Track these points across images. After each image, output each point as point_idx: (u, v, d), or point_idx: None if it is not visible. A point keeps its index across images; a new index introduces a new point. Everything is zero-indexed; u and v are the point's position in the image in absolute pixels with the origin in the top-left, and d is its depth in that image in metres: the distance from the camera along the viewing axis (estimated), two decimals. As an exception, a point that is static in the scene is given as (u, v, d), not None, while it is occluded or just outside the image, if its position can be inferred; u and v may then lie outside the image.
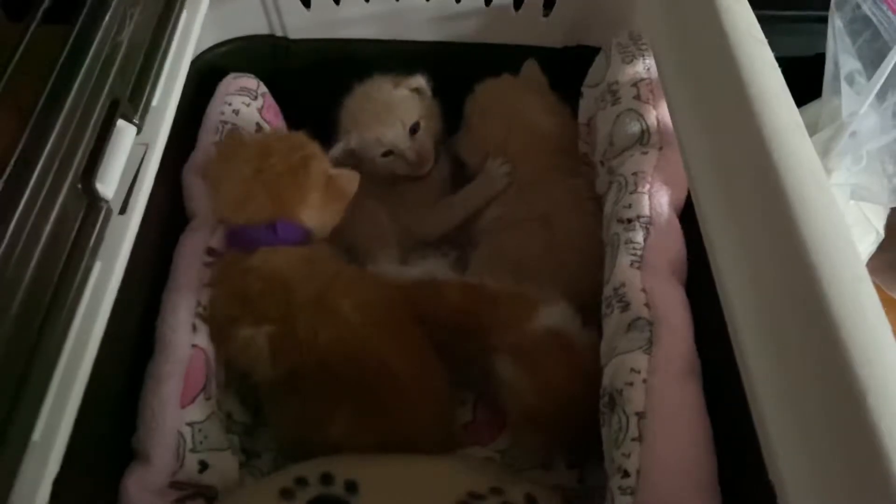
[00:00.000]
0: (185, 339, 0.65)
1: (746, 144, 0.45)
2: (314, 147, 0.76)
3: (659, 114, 0.71)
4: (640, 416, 0.53)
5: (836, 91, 0.78)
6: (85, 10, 0.46)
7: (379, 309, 0.70)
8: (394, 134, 0.87)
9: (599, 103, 0.79)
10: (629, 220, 0.66)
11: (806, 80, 0.78)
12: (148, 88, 0.52)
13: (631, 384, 0.55)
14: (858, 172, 0.78)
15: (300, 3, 0.86)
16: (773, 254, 0.41)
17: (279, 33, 0.90)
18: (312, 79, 0.92)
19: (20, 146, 0.39)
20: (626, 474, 0.52)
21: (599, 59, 0.81)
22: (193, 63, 0.83)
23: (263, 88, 0.88)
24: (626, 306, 0.61)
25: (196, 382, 0.65)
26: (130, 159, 0.48)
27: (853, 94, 0.77)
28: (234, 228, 0.73)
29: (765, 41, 0.49)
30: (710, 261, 0.47)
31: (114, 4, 0.48)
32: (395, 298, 0.73)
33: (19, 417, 0.36)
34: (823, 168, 0.73)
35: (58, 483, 0.38)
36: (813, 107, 0.83)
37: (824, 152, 0.78)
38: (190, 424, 0.63)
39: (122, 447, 0.61)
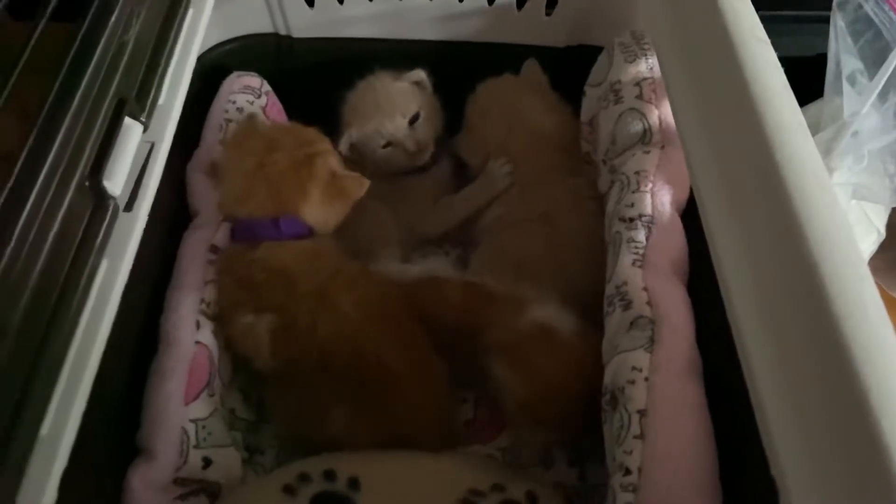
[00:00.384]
0: (188, 336, 0.66)
1: (749, 144, 0.45)
2: (324, 144, 0.76)
3: (661, 113, 0.71)
4: (642, 413, 0.54)
5: (838, 91, 0.79)
6: (92, 9, 0.46)
7: (378, 306, 0.70)
8: (393, 124, 0.87)
9: (602, 102, 0.79)
10: (631, 219, 0.66)
11: (808, 80, 0.78)
12: (154, 87, 0.52)
13: (633, 382, 0.55)
14: (860, 172, 0.79)
15: (304, 2, 0.86)
16: (775, 252, 0.41)
17: (283, 32, 0.91)
18: (316, 77, 0.92)
19: (28, 144, 0.40)
20: (627, 472, 0.52)
21: (602, 59, 0.81)
22: (198, 61, 0.83)
23: (267, 87, 0.89)
24: (627, 305, 0.61)
25: (200, 379, 0.65)
26: (137, 157, 0.48)
27: (855, 94, 0.78)
28: (240, 223, 0.73)
29: (767, 41, 0.49)
30: (713, 259, 0.47)
31: (120, 3, 0.48)
32: (396, 296, 0.73)
33: (28, 412, 0.36)
34: (825, 167, 0.74)
35: (63, 480, 0.38)
36: (815, 107, 0.83)
37: (826, 152, 0.78)
38: (194, 421, 0.63)
39: (127, 444, 0.61)
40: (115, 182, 0.45)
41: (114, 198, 0.45)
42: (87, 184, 0.43)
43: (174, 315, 0.66)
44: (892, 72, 0.75)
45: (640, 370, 0.56)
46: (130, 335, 0.63)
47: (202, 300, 0.69)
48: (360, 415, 0.65)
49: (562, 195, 0.82)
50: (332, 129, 0.84)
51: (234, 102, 0.84)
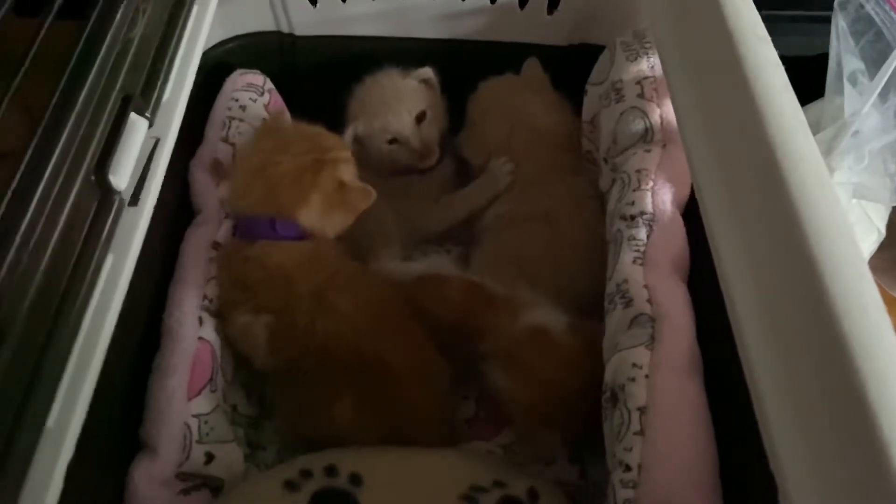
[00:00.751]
0: (191, 332, 0.66)
1: (750, 142, 0.45)
2: (340, 153, 0.76)
3: (662, 112, 0.72)
4: (642, 411, 0.54)
5: (839, 90, 0.79)
6: (98, 6, 0.47)
7: (378, 306, 0.71)
8: (399, 122, 0.88)
9: (603, 101, 0.79)
10: (632, 217, 0.66)
11: (809, 79, 0.78)
12: (159, 83, 0.52)
13: (633, 380, 0.56)
14: (860, 171, 0.79)
15: (307, 0, 0.87)
16: (775, 250, 0.41)
17: (286, 30, 0.91)
18: (318, 75, 0.93)
19: (35, 139, 0.40)
20: (627, 468, 0.52)
21: (604, 58, 0.82)
22: (201, 59, 0.83)
23: (270, 85, 0.89)
24: (628, 303, 0.62)
25: (202, 375, 0.65)
26: (142, 152, 0.48)
27: (856, 94, 0.78)
28: (240, 219, 0.74)
29: (768, 39, 0.50)
30: (714, 257, 0.47)
31: (126, 0, 0.48)
32: (395, 296, 0.74)
33: (34, 404, 0.36)
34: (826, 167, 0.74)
35: (68, 473, 0.39)
36: (815, 106, 0.83)
37: (827, 151, 0.78)
38: (196, 416, 0.63)
39: (129, 439, 0.61)
40: (121, 177, 0.45)
41: (119, 192, 0.46)
42: (92, 178, 0.43)
43: (177, 311, 0.66)
44: (893, 72, 0.75)
45: (641, 367, 0.56)
46: (133, 331, 0.64)
47: (205, 296, 0.69)
48: (362, 412, 0.66)
49: (563, 194, 0.83)
50: (335, 127, 0.85)
51: (236, 100, 0.84)
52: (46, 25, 0.44)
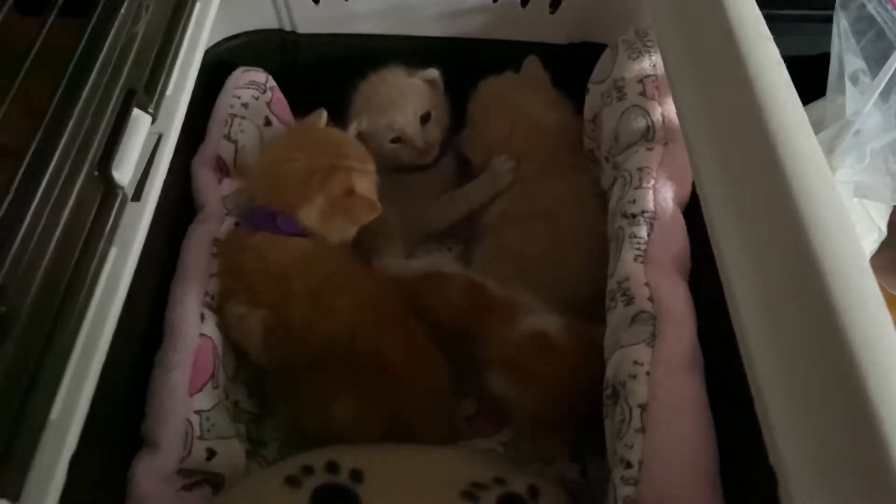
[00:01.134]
0: (193, 328, 0.66)
1: (751, 139, 0.45)
2: (360, 163, 0.76)
3: (664, 110, 0.72)
4: (643, 408, 0.54)
5: (841, 90, 0.79)
6: (101, 2, 0.47)
7: (377, 304, 0.71)
8: (404, 120, 0.88)
9: (605, 99, 0.79)
10: (633, 215, 0.66)
11: (810, 79, 0.78)
12: (162, 79, 0.53)
13: (634, 377, 0.56)
14: (862, 170, 0.79)
15: (309, -2, 0.87)
16: (776, 246, 0.41)
17: (288, 28, 0.91)
18: (321, 73, 0.93)
19: (39, 134, 0.40)
20: (628, 465, 0.52)
21: (605, 56, 0.82)
22: (204, 57, 0.83)
23: (272, 82, 0.89)
24: (629, 300, 0.62)
25: (204, 371, 0.65)
26: (145, 147, 0.49)
27: (857, 93, 0.78)
28: (251, 205, 0.75)
29: (770, 37, 0.50)
30: (715, 254, 0.47)
31: (129, -4, 0.49)
32: (395, 294, 0.74)
33: (37, 397, 0.37)
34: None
35: (69, 470, 0.39)
36: (817, 105, 0.83)
37: (828, 150, 0.79)
38: (198, 412, 0.63)
39: (131, 435, 0.62)
40: (124, 172, 0.45)
41: (122, 187, 0.46)
42: (96, 173, 0.43)
43: (179, 307, 0.67)
44: (895, 71, 0.75)
45: (642, 365, 0.56)
46: (136, 327, 0.64)
47: (206, 293, 0.70)
48: (363, 410, 0.66)
49: (564, 191, 0.83)
50: (337, 124, 0.85)
51: (239, 98, 0.84)
52: (49, 23, 0.44)
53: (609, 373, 0.60)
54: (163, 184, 0.53)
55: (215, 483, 0.64)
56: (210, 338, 0.67)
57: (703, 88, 0.54)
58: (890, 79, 0.76)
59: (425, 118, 0.89)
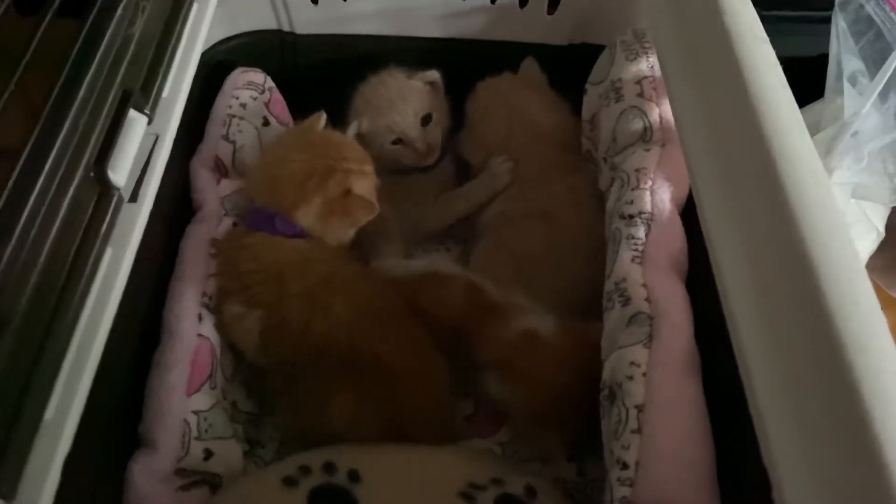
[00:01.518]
0: (190, 328, 0.66)
1: (746, 141, 0.45)
2: (358, 165, 0.76)
3: (661, 111, 0.72)
4: (640, 408, 0.54)
5: (839, 91, 0.79)
6: (98, 2, 0.47)
7: (374, 305, 0.71)
8: (406, 122, 0.88)
9: (603, 100, 0.79)
10: (631, 216, 0.66)
11: (809, 80, 0.78)
12: (159, 80, 0.53)
13: (631, 377, 0.56)
14: (860, 172, 0.79)
15: (308, -2, 0.87)
16: (770, 246, 0.41)
17: (287, 28, 0.91)
18: (319, 74, 0.93)
19: (35, 134, 0.40)
20: (625, 466, 0.52)
21: (603, 57, 0.82)
22: (202, 57, 0.83)
23: (270, 83, 0.89)
24: (626, 301, 0.62)
25: (202, 371, 0.65)
26: (141, 149, 0.49)
27: (856, 94, 0.78)
28: (247, 208, 0.75)
29: (766, 39, 0.50)
30: (709, 254, 0.47)
31: (126, -4, 0.49)
32: (393, 295, 0.74)
33: (32, 396, 0.37)
34: (825, 167, 0.74)
35: (65, 469, 0.39)
36: (815, 107, 0.83)
37: (826, 152, 0.78)
38: (195, 413, 0.63)
39: (129, 435, 0.62)
40: (120, 173, 0.45)
41: (118, 188, 0.46)
42: (91, 174, 0.43)
43: (177, 307, 0.67)
44: (893, 72, 0.75)
45: (639, 366, 0.56)
46: (133, 327, 0.64)
47: (204, 293, 0.70)
48: (361, 410, 0.66)
49: (561, 192, 0.83)
50: (335, 125, 0.85)
51: (237, 98, 0.84)
52: (46, 23, 0.44)
53: (606, 373, 0.60)
54: (161, 184, 0.53)
55: (213, 483, 0.64)
56: (208, 338, 0.67)
57: (699, 90, 0.54)
58: (888, 80, 0.76)
59: (426, 120, 0.89)
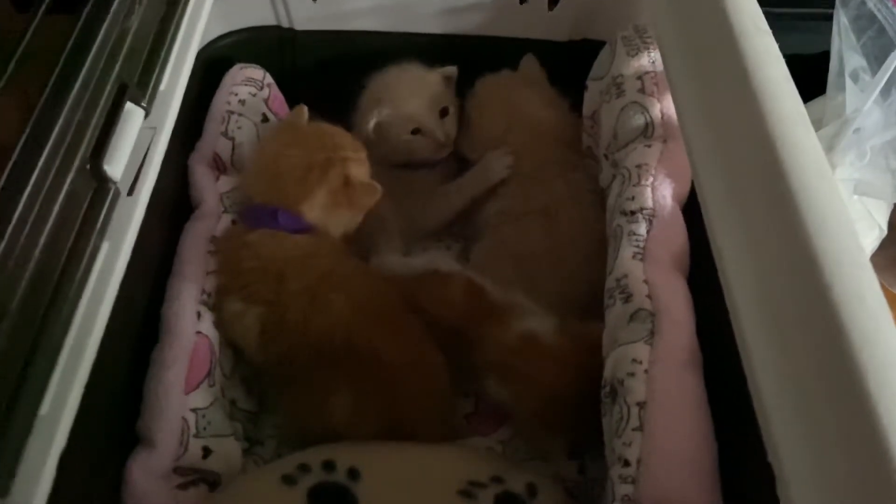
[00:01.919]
0: (189, 325, 0.66)
1: (750, 134, 0.45)
2: (355, 154, 0.77)
3: (663, 107, 0.71)
4: (641, 406, 0.54)
5: (841, 87, 0.79)
6: (94, -3, 0.47)
7: (375, 303, 0.71)
8: (425, 112, 0.88)
9: (604, 96, 0.79)
10: (632, 213, 0.66)
11: (811, 77, 0.78)
12: (156, 73, 0.52)
13: (632, 374, 0.55)
14: (862, 168, 0.79)
15: (307, -5, 0.87)
16: (774, 240, 0.41)
17: (286, 25, 0.91)
18: (318, 70, 0.93)
19: (30, 127, 0.40)
20: (626, 463, 0.52)
21: (604, 53, 0.82)
22: (201, 53, 0.83)
23: (269, 79, 0.89)
24: (628, 297, 0.61)
25: (200, 369, 0.65)
26: (138, 142, 0.48)
27: (857, 91, 0.78)
28: (246, 206, 0.75)
29: (769, 31, 0.49)
30: (713, 249, 0.47)
31: (122, -11, 0.48)
32: (392, 293, 0.74)
33: (27, 391, 0.36)
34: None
35: (64, 465, 0.39)
36: (817, 103, 0.83)
37: (828, 148, 0.78)
38: (194, 410, 0.63)
39: (127, 433, 0.61)
40: (116, 166, 0.45)
41: (115, 182, 0.45)
42: (87, 167, 0.43)
43: (175, 305, 0.66)
44: (895, 68, 0.75)
45: (640, 362, 0.56)
46: (132, 324, 0.64)
47: (203, 290, 0.69)
48: (360, 408, 0.65)
49: (561, 189, 0.83)
50: (335, 122, 0.85)
51: (236, 94, 0.84)
52: (38, 17, 0.44)
53: (607, 371, 0.60)
54: (160, 181, 0.53)
55: (211, 481, 0.64)
56: (206, 336, 0.67)
57: (702, 83, 0.54)
58: (890, 76, 0.75)
59: (443, 113, 0.90)
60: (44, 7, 0.45)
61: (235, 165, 0.81)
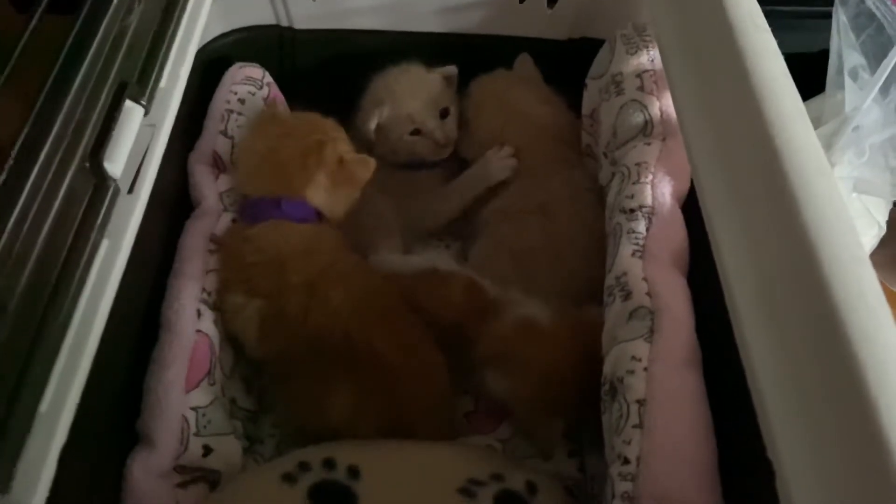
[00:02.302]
0: (189, 324, 0.66)
1: (748, 131, 0.45)
2: (338, 133, 0.78)
3: (662, 105, 0.71)
4: (641, 403, 0.54)
5: (840, 86, 0.79)
6: (93, -5, 0.47)
7: (372, 299, 0.71)
8: (426, 113, 0.88)
9: (603, 95, 0.79)
10: (632, 210, 0.66)
11: (810, 75, 0.78)
12: (156, 71, 0.52)
13: (632, 372, 0.55)
14: (861, 166, 0.79)
15: (306, -6, 0.87)
16: (773, 234, 0.41)
17: (285, 23, 0.91)
18: (318, 69, 0.93)
19: (29, 125, 0.40)
20: (626, 461, 0.52)
21: (603, 51, 0.82)
22: (200, 52, 0.83)
23: (269, 78, 0.89)
24: (627, 295, 0.61)
25: (200, 367, 0.65)
26: (138, 140, 0.48)
27: (856, 89, 0.78)
28: (247, 200, 0.76)
29: (767, 28, 0.49)
30: (712, 245, 0.47)
31: (121, -13, 0.48)
32: (391, 290, 0.74)
33: (27, 388, 0.36)
34: (826, 161, 0.73)
35: (64, 463, 0.39)
36: (816, 101, 0.83)
37: (827, 146, 0.78)
38: (194, 409, 0.63)
39: (127, 431, 0.61)
40: (116, 164, 0.45)
41: (115, 179, 0.45)
42: (87, 165, 0.43)
43: (175, 303, 0.66)
44: (894, 66, 0.75)
45: (640, 360, 0.56)
46: (132, 323, 0.64)
47: (203, 289, 0.69)
48: (359, 405, 0.65)
49: (559, 187, 0.83)
50: (336, 119, 0.85)
51: (235, 93, 0.84)
52: (37, 16, 0.44)
53: (607, 368, 0.60)
54: (161, 179, 0.53)
55: (211, 480, 0.64)
56: (206, 334, 0.67)
57: (701, 81, 0.54)
58: (889, 74, 0.76)
59: (444, 113, 0.90)
60: (43, 6, 0.45)
61: (235, 164, 0.81)
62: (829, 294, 0.35)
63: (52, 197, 0.40)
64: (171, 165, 0.73)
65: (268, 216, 0.73)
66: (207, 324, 0.68)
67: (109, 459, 0.59)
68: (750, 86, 0.45)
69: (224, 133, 0.81)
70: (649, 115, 0.71)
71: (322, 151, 0.75)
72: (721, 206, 0.47)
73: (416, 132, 0.89)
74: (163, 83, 0.54)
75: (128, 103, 0.47)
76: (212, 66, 0.86)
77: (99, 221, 0.43)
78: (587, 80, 0.85)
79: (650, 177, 0.67)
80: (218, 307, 0.71)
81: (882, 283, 0.88)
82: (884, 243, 0.87)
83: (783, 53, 0.49)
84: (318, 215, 0.76)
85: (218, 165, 0.81)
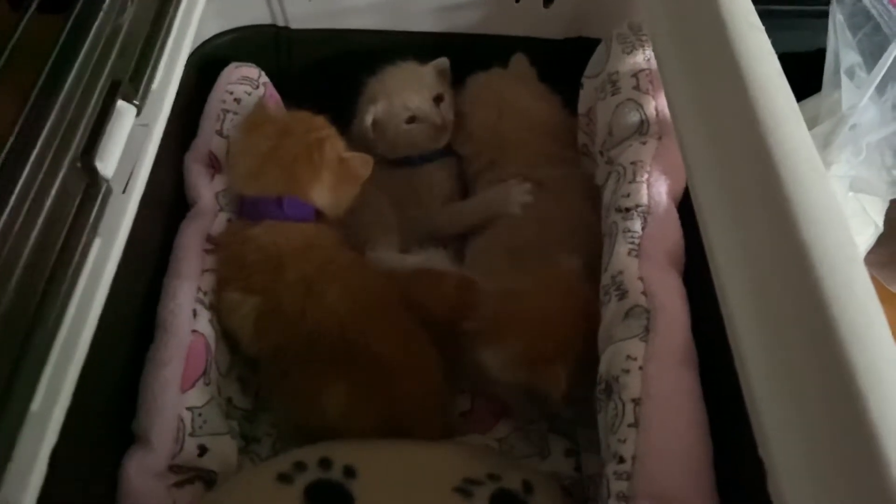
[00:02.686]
0: (185, 324, 0.66)
1: (741, 130, 0.45)
2: (331, 130, 0.79)
3: (658, 104, 0.71)
4: (636, 402, 0.54)
5: (837, 84, 0.79)
6: (86, -6, 0.47)
7: (369, 297, 0.71)
8: (420, 98, 0.89)
9: (599, 94, 0.79)
10: (627, 210, 0.66)
11: (806, 74, 0.78)
12: (148, 71, 0.52)
13: (627, 371, 0.55)
14: (858, 165, 0.79)
15: (302, -8, 0.87)
16: (766, 235, 0.41)
17: (281, 23, 0.91)
18: (314, 69, 0.93)
19: (20, 123, 0.40)
20: (621, 460, 0.52)
21: (599, 50, 0.82)
22: (196, 52, 0.84)
23: (265, 78, 0.89)
24: (623, 294, 0.61)
25: (196, 367, 0.65)
26: (131, 140, 0.48)
27: (853, 88, 0.78)
28: (246, 200, 0.76)
29: (761, 27, 0.49)
30: (706, 245, 0.47)
31: (114, -14, 0.48)
32: (388, 288, 0.74)
33: (18, 387, 0.36)
34: (823, 161, 0.74)
35: (58, 466, 0.39)
36: (813, 101, 0.83)
37: (824, 145, 0.78)
38: (190, 409, 0.63)
39: (123, 431, 0.61)
40: (108, 163, 0.45)
41: (106, 179, 0.45)
42: (79, 164, 0.43)
43: (171, 303, 0.66)
44: (891, 65, 0.75)
45: (635, 359, 0.56)
46: (128, 322, 0.64)
47: (199, 289, 0.69)
48: (355, 403, 0.66)
49: (553, 184, 0.83)
50: (331, 119, 0.85)
51: (231, 93, 0.84)
52: (28, 14, 0.44)
53: (602, 367, 0.60)
54: (157, 179, 0.53)
55: (207, 480, 0.64)
56: (202, 334, 0.67)
57: (694, 79, 0.54)
58: (886, 73, 0.76)
59: (438, 100, 0.90)
60: (35, 3, 0.45)
61: (230, 163, 0.81)
62: (821, 293, 0.35)
63: (44, 196, 0.40)
64: (167, 165, 0.74)
65: (268, 215, 0.73)
66: (203, 323, 0.68)
67: (105, 459, 0.59)
68: (743, 85, 0.46)
69: (220, 133, 0.81)
70: (645, 114, 0.71)
71: (322, 149, 0.75)
72: (714, 205, 0.47)
73: (413, 120, 0.89)
74: (156, 83, 0.54)
75: (120, 103, 0.47)
76: (208, 65, 0.86)
77: (91, 221, 0.43)
78: (583, 79, 0.85)
79: (646, 176, 0.67)
80: (214, 306, 0.70)
81: (880, 283, 0.88)
82: (881, 242, 0.87)
83: (780, 53, 0.49)
84: (317, 214, 0.76)
85: (214, 165, 0.81)
